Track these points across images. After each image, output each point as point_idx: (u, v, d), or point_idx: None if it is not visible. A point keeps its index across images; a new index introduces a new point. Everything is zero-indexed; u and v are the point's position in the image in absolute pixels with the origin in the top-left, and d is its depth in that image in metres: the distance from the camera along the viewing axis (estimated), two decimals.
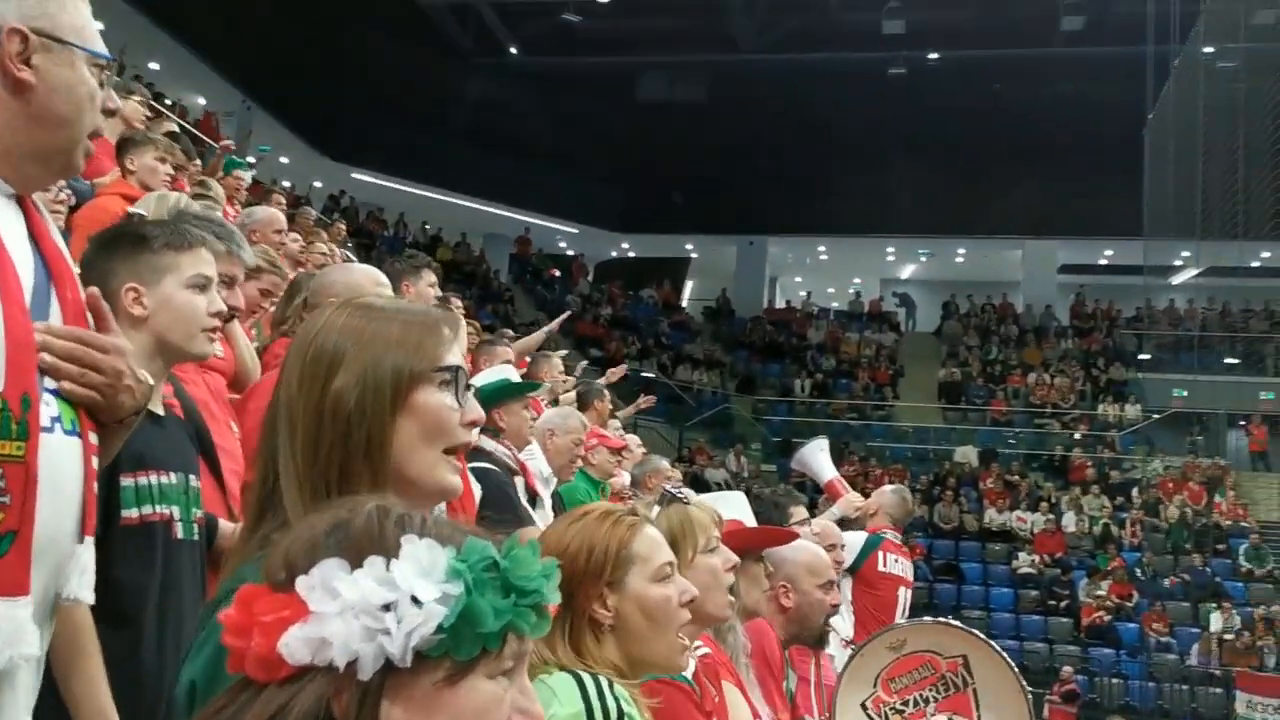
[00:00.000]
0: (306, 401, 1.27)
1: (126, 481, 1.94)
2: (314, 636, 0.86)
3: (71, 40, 1.56)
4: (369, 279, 3.10)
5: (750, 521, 2.96)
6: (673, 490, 2.85)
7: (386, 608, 0.87)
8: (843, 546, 4.75)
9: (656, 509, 2.40)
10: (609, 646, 1.81)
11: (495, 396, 3.93)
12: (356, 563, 0.88)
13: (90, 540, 1.49)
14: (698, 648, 2.29)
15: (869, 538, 5.49)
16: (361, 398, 1.26)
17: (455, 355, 1.35)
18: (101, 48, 1.62)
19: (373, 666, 0.86)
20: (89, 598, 1.51)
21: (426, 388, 1.30)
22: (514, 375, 4.26)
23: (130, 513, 1.94)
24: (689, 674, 2.12)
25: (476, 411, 1.36)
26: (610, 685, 1.73)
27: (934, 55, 22.90)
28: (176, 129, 7.31)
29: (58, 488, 1.46)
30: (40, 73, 1.52)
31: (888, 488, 6.37)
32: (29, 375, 1.45)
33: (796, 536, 3.34)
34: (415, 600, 0.87)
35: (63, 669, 1.71)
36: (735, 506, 3.01)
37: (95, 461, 1.55)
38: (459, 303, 6.50)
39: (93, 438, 1.55)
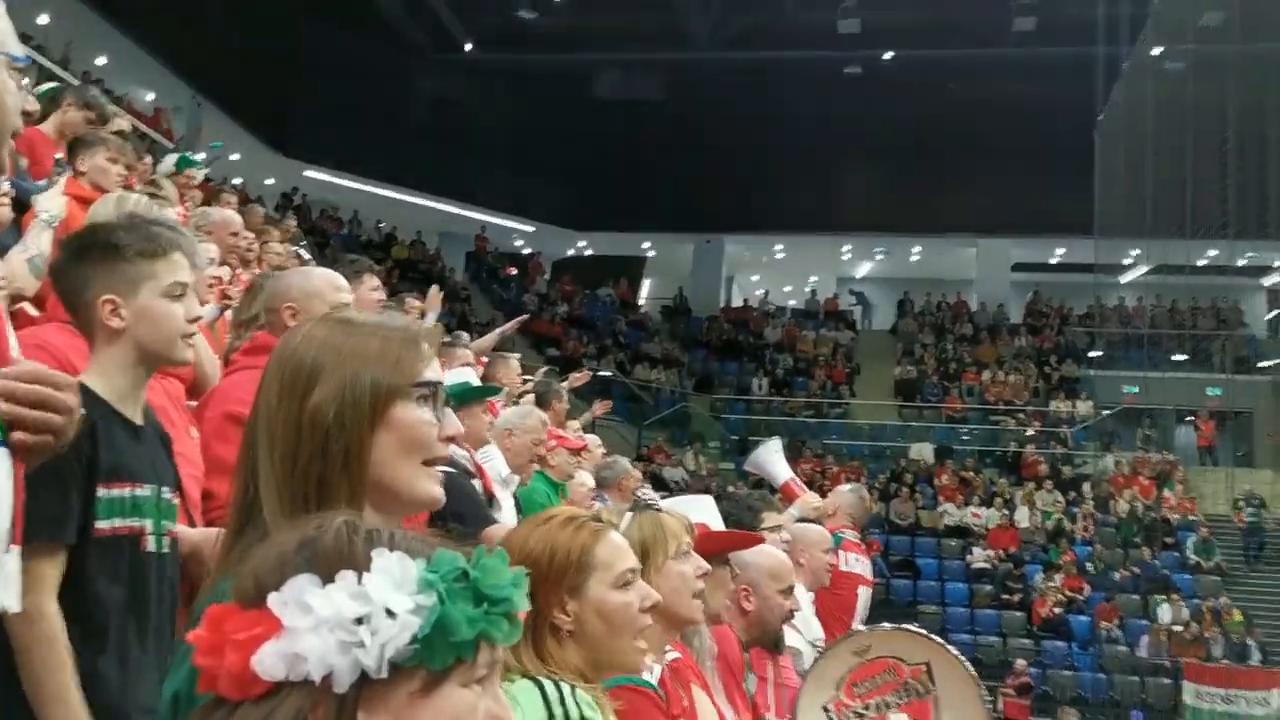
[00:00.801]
0: (285, 414, 1.29)
1: (101, 493, 1.92)
2: (288, 652, 0.86)
3: None
4: (327, 283, 3.03)
5: (718, 526, 2.95)
6: (644, 498, 2.84)
7: (359, 621, 0.87)
8: (827, 550, 4.75)
9: (629, 516, 2.39)
10: (570, 651, 1.82)
11: (455, 399, 3.88)
12: (328, 578, 0.89)
13: (16, 550, 1.46)
14: (667, 652, 2.28)
15: (835, 536, 5.51)
16: (340, 412, 1.28)
17: (434, 370, 1.38)
18: (17, 50, 1.59)
19: (349, 679, 0.87)
20: (15, 606, 1.50)
21: (405, 403, 1.32)
22: (474, 378, 4.21)
23: (103, 524, 1.92)
24: (655, 680, 2.11)
25: (455, 426, 1.39)
26: (573, 690, 1.73)
27: (888, 55, 23.10)
28: (126, 126, 7.16)
29: None
30: None
31: (845, 487, 6.43)
32: None
33: (762, 540, 3.34)
34: (389, 613, 0.88)
35: (33, 685, 1.75)
36: (703, 510, 3.00)
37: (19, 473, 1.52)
38: (415, 303, 6.40)
39: None
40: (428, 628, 0.88)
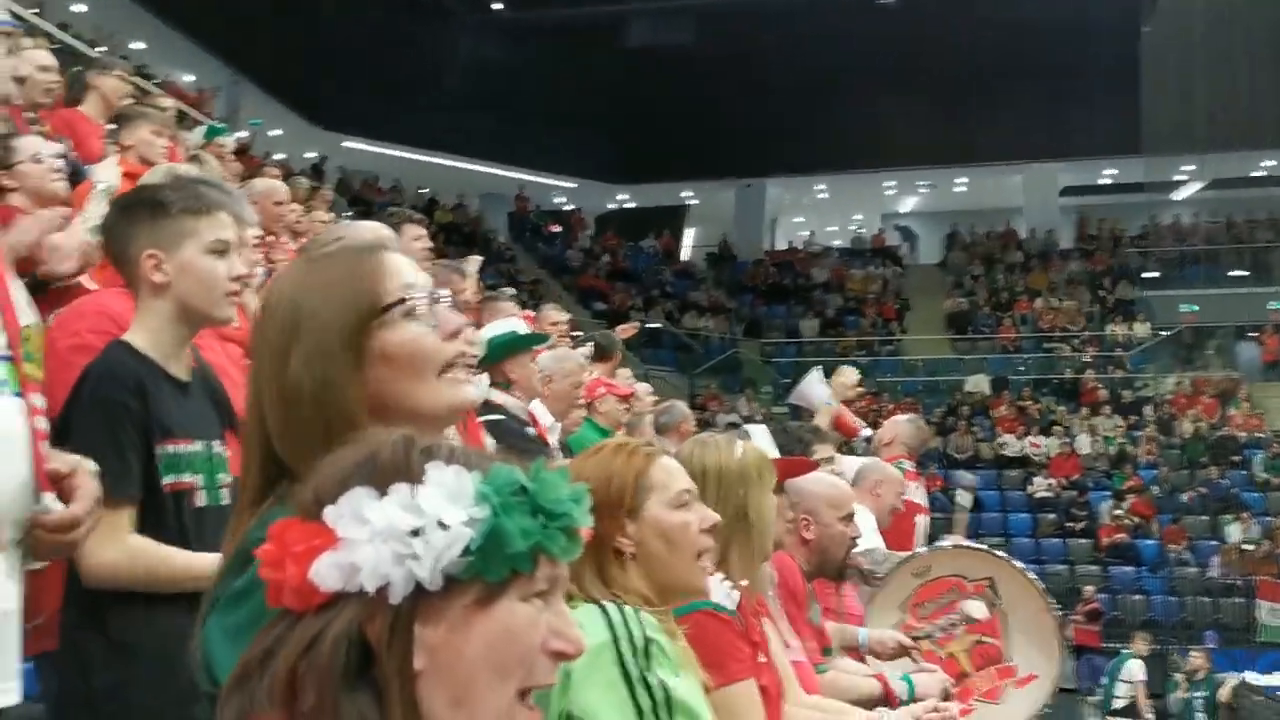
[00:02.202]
0: (276, 379, 1.24)
1: (158, 450, 1.96)
2: (344, 563, 0.88)
3: None
4: (372, 234, 3.06)
5: (772, 453, 2.96)
6: (743, 431, 2.88)
7: (415, 533, 0.88)
8: (901, 494, 4.73)
9: (739, 444, 2.42)
10: (633, 574, 1.83)
11: (504, 349, 3.91)
12: (384, 491, 0.90)
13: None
14: (745, 584, 2.31)
15: (898, 466, 5.47)
16: (322, 369, 1.22)
17: (406, 278, 1.30)
18: (3, 14, 1.59)
19: (403, 590, 0.88)
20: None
21: (388, 327, 1.26)
22: (522, 327, 4.22)
23: (166, 480, 1.96)
24: (733, 606, 2.14)
25: (454, 320, 1.31)
26: (636, 613, 1.75)
27: None
28: (170, 105, 7.25)
29: (4, 446, 1.46)
30: None
31: (902, 418, 6.35)
32: None
33: (817, 466, 3.34)
34: (442, 525, 0.88)
35: (171, 587, 1.84)
36: (759, 439, 3.01)
37: (41, 422, 1.56)
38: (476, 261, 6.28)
39: (35, 399, 1.55)
40: (480, 539, 0.88)
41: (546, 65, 24.50)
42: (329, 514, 0.89)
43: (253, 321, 1.34)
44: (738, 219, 27.17)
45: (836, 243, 27.83)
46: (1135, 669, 12.45)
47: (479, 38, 24.65)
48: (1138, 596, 15.89)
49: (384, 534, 0.88)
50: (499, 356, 3.93)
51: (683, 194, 27.99)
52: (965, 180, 26.62)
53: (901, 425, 6.02)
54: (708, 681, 1.90)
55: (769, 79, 23.62)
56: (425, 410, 1.26)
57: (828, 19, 22.68)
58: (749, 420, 18.95)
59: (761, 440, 2.94)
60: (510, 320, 4.32)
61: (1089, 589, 15.22)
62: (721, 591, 2.13)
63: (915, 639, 3.47)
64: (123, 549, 1.86)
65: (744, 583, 2.33)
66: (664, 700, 1.68)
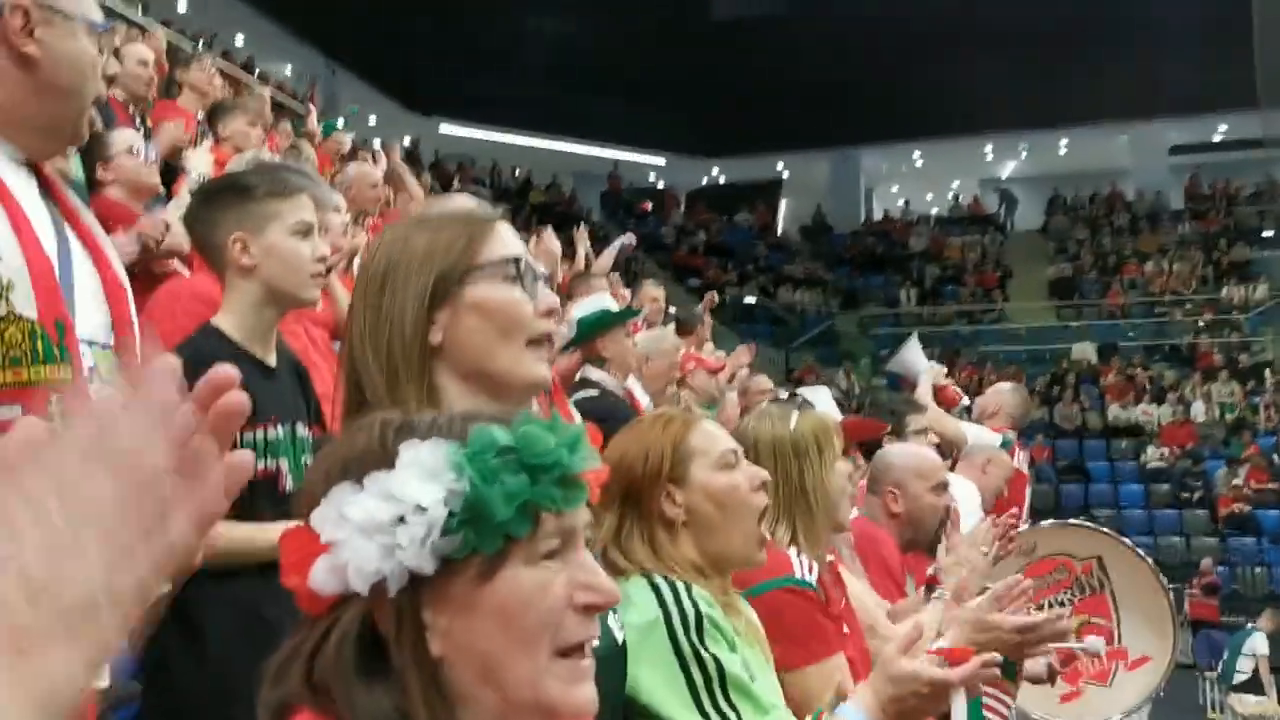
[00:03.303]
0: (370, 319, 1.30)
1: (246, 435, 1.97)
2: (335, 565, 0.85)
3: (70, 10, 1.59)
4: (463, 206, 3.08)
5: (836, 416, 2.91)
6: (804, 397, 2.83)
7: (401, 520, 0.85)
8: (1008, 477, 4.64)
9: (795, 413, 2.38)
10: (685, 544, 1.79)
11: (597, 326, 3.92)
12: (363, 483, 0.87)
13: None
14: (820, 556, 2.28)
15: (1003, 438, 5.35)
16: (404, 306, 1.29)
17: (505, 248, 1.34)
18: (99, 17, 1.64)
19: (398, 583, 0.85)
20: None
21: (479, 285, 1.30)
22: (612, 304, 4.23)
23: (256, 465, 1.97)
24: (814, 580, 2.11)
25: (550, 299, 1.36)
26: (689, 588, 1.72)
27: None
28: (267, 96, 7.44)
29: None
30: (44, 45, 1.56)
31: (1005, 386, 6.17)
32: (59, 303, 1.51)
33: (885, 429, 3.27)
34: (420, 508, 0.85)
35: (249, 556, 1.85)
36: (820, 400, 2.97)
37: None
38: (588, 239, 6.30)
39: None
40: (462, 513, 0.85)
41: (635, 42, 24.41)
42: (315, 518, 0.87)
43: (358, 272, 1.38)
44: (832, 190, 26.81)
45: (934, 210, 27.26)
46: (1259, 642, 12.00)
47: (568, 17, 24.66)
48: (1258, 569, 15.31)
49: (365, 529, 0.85)
50: (590, 334, 3.93)
51: (776, 166, 27.70)
52: (1067, 142, 25.79)
53: (1006, 395, 5.84)
54: (783, 659, 1.88)
55: (860, 47, 23.13)
56: (499, 373, 1.30)
57: None
58: (847, 394, 18.81)
59: (823, 403, 2.89)
60: (600, 297, 4.33)
61: (1206, 562, 14.71)
62: (801, 567, 2.11)
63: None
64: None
65: (824, 555, 2.30)
66: (718, 676, 1.65)
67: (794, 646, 1.97)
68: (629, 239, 7.72)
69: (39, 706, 0.54)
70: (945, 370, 5.99)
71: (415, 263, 1.30)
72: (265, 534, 1.85)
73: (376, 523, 0.85)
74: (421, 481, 0.86)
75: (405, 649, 0.87)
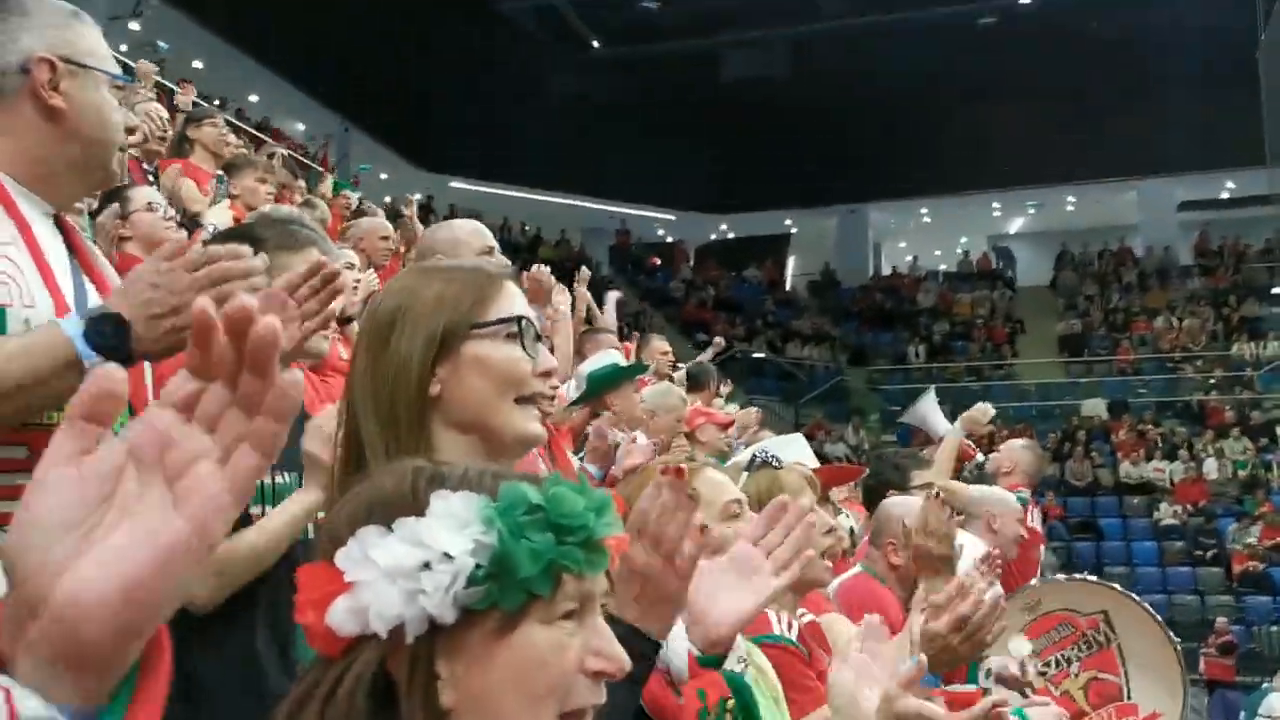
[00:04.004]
0: (371, 366, 1.33)
1: None
2: (357, 606, 0.86)
3: (92, 64, 1.67)
4: (472, 232, 3.10)
5: (812, 464, 2.90)
6: (763, 454, 2.83)
7: (426, 567, 0.86)
8: (1020, 519, 4.58)
9: (745, 475, 2.38)
10: None
11: (606, 381, 3.93)
12: (391, 527, 0.88)
13: None
14: (802, 615, 2.26)
15: (1018, 497, 5.27)
16: (408, 356, 1.31)
17: (512, 307, 1.37)
18: (116, 69, 1.71)
19: (417, 628, 0.86)
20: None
21: (483, 341, 1.33)
22: (621, 359, 4.25)
23: (254, 509, 1.97)
24: (794, 636, 2.10)
25: (549, 361, 1.38)
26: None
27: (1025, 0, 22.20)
28: (283, 152, 7.56)
29: None
30: (69, 98, 1.64)
31: (1018, 443, 6.07)
32: None
33: (859, 474, 3.26)
34: (447, 556, 0.86)
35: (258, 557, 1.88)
36: (797, 449, 2.97)
37: None
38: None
39: None
40: (488, 566, 0.86)
41: (644, 100, 24.75)
42: (339, 557, 0.88)
43: (363, 318, 1.41)
44: (840, 245, 26.93)
45: (943, 266, 27.35)
46: (1275, 703, 11.78)
47: (578, 76, 25.04)
48: (1274, 628, 15.09)
49: (391, 573, 0.85)
50: (600, 389, 3.95)
51: (784, 222, 27.89)
52: (1074, 198, 25.93)
53: (1020, 452, 5.73)
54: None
55: (868, 104, 23.43)
56: (494, 428, 1.32)
57: (926, 42, 22.42)
58: (856, 449, 18.74)
59: (796, 454, 2.89)
60: (609, 353, 4.36)
61: (1221, 621, 14.50)
62: (780, 623, 2.10)
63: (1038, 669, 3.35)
64: (209, 579, 1.87)
65: (802, 615, 2.29)
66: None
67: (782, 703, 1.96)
68: (618, 296, 7.78)
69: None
70: (993, 414, 5.92)
71: (425, 312, 1.32)
72: (273, 525, 1.85)
73: (403, 567, 0.86)
74: (451, 531, 0.87)
75: (416, 698, 0.87)
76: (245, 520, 1.95)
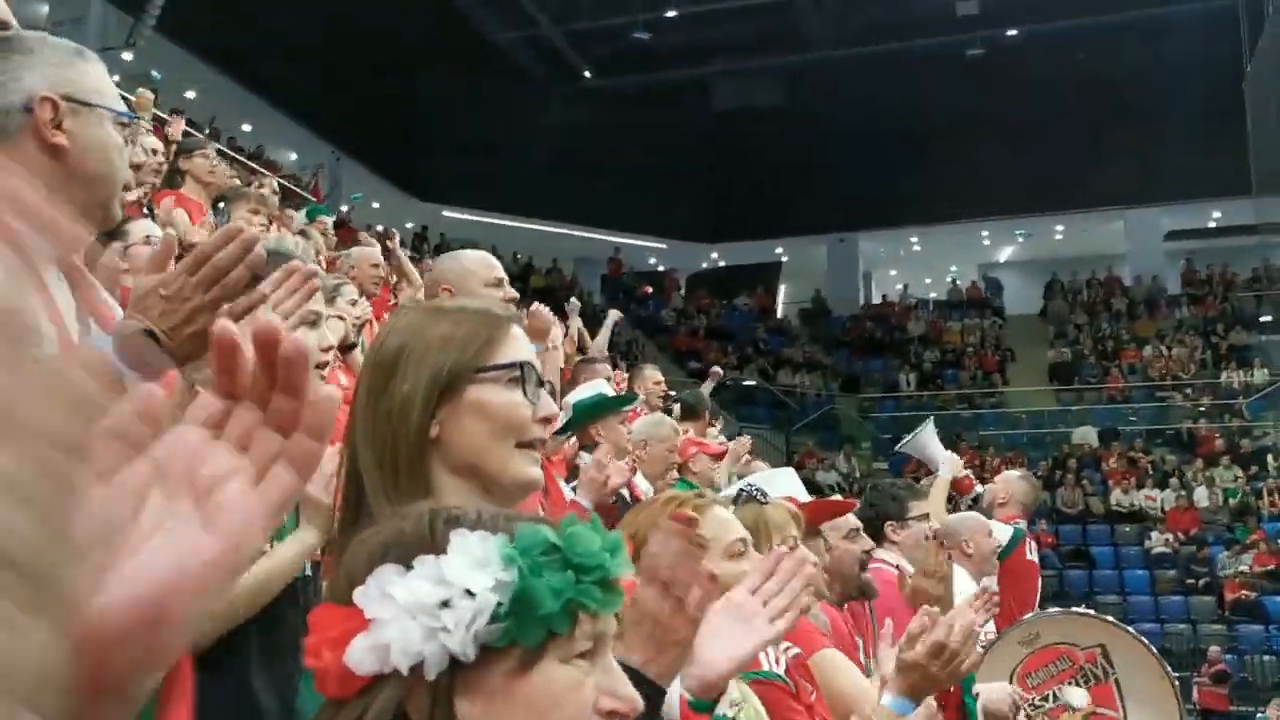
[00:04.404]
0: (373, 405, 1.32)
1: None
2: (376, 644, 0.86)
3: (96, 102, 1.66)
4: (481, 262, 3.09)
5: (803, 497, 2.90)
6: (749, 489, 2.83)
7: (445, 604, 0.86)
8: (989, 533, 4.60)
9: (732, 508, 2.39)
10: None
11: (590, 411, 3.93)
12: (410, 566, 0.89)
13: None
14: (788, 648, 2.26)
15: (1015, 529, 5.25)
16: (410, 398, 1.30)
17: (516, 352, 1.37)
18: (121, 106, 1.70)
19: (438, 666, 0.86)
20: None
21: (485, 385, 1.32)
22: (609, 390, 4.26)
23: None
24: (782, 671, 2.10)
25: (549, 408, 1.38)
26: None
27: (1013, 32, 22.42)
28: (275, 185, 7.57)
29: None
30: (72, 135, 1.62)
31: (1014, 474, 6.06)
32: None
33: (851, 508, 3.27)
34: (469, 593, 0.86)
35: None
36: (787, 483, 2.97)
37: None
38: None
39: None
40: (510, 603, 0.86)
41: (636, 129, 24.88)
42: (358, 595, 0.88)
43: (366, 355, 1.40)
44: (831, 274, 27.04)
45: (933, 295, 27.48)
46: None
47: (570, 106, 25.18)
48: (1268, 657, 15.07)
49: (411, 609, 0.86)
50: (585, 419, 3.95)
51: (775, 250, 28.01)
52: (1063, 228, 26.11)
53: (1015, 483, 5.71)
54: None
55: (857, 134, 23.59)
56: (492, 472, 1.31)
57: (915, 72, 22.62)
58: (848, 477, 18.71)
59: (785, 487, 2.89)
60: (596, 383, 4.37)
61: (1214, 650, 14.49)
62: (768, 659, 2.10)
63: (1023, 713, 3.34)
64: (213, 617, 1.86)
65: (787, 648, 2.29)
66: None
67: None
68: (617, 315, 7.81)
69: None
70: (963, 462, 5.92)
71: (430, 352, 1.32)
72: (274, 558, 1.85)
73: (423, 604, 0.86)
74: (472, 569, 0.87)
75: None
76: None
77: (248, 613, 1.88)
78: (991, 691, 3.29)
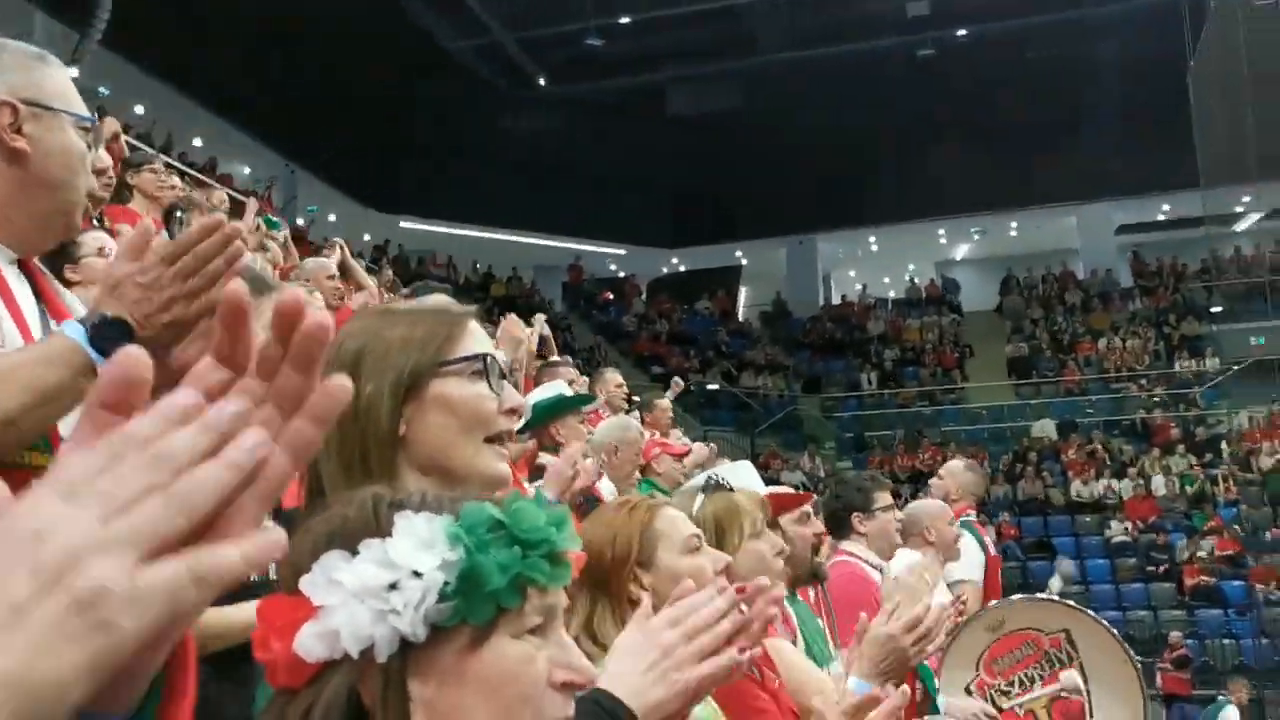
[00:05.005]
0: None
1: None
2: (325, 630, 0.86)
3: (58, 106, 1.62)
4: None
5: (761, 490, 2.93)
6: (715, 478, 2.85)
7: (393, 587, 0.86)
8: (950, 521, 4.59)
9: (700, 496, 2.41)
10: None
11: (551, 411, 3.95)
12: (356, 551, 0.88)
13: None
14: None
15: (963, 522, 5.16)
16: (375, 397, 1.29)
17: (477, 345, 1.36)
18: (84, 110, 1.67)
19: (389, 648, 0.86)
20: None
21: (449, 379, 1.32)
22: (567, 390, 4.27)
23: None
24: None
25: (515, 399, 1.37)
26: None
27: (962, 32, 22.68)
28: (225, 195, 7.51)
29: None
30: (33, 140, 1.58)
31: (957, 465, 5.96)
32: None
33: (808, 500, 3.29)
34: (416, 574, 0.86)
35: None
36: (745, 475, 2.99)
37: None
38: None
39: None
40: (457, 581, 0.86)
41: (593, 136, 24.92)
42: (304, 583, 0.87)
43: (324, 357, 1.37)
44: (790, 276, 27.20)
45: (891, 294, 27.72)
46: (1230, 715, 11.97)
47: (526, 114, 25.16)
48: (1227, 641, 15.33)
49: (359, 594, 0.86)
50: (544, 419, 3.96)
51: (735, 254, 28.13)
52: (1017, 224, 26.45)
53: (963, 475, 5.69)
54: None
55: (813, 136, 23.75)
56: (459, 468, 1.30)
57: (868, 75, 22.82)
58: (812, 477, 18.81)
59: (744, 479, 2.92)
60: (555, 384, 4.38)
61: (1175, 635, 14.71)
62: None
63: (990, 697, 3.38)
64: None
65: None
66: None
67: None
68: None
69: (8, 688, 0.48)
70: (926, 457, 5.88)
71: (391, 354, 1.31)
72: (238, 613, 1.82)
73: (370, 588, 0.86)
74: (418, 550, 0.87)
75: (390, 719, 0.87)
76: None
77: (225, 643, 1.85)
78: (963, 706, 3.33)
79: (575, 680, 0.93)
